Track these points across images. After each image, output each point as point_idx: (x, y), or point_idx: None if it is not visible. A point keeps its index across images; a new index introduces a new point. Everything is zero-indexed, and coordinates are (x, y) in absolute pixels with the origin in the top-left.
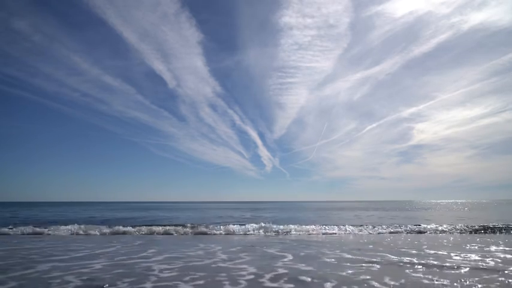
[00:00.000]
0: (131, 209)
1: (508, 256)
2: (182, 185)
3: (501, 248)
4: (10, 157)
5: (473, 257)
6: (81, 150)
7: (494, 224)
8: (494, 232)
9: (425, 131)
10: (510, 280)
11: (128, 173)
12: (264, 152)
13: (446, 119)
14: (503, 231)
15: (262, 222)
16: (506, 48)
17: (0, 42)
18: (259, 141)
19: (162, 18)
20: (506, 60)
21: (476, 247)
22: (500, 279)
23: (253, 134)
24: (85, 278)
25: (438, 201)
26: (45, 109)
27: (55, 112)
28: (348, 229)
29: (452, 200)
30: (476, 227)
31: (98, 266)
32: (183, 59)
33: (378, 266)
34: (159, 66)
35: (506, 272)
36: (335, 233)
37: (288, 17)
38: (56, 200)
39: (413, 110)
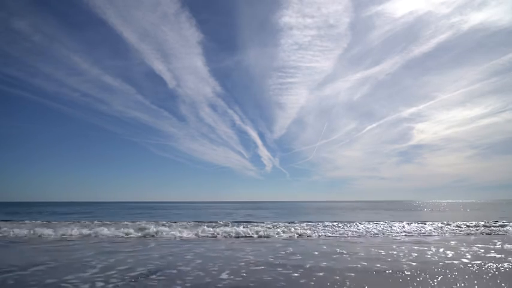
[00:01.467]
0: (150, 209)
1: None
2: (182, 185)
3: None
4: (10, 157)
5: None
6: (81, 150)
7: None
8: None
9: (425, 131)
10: None
11: (128, 173)
12: (264, 152)
13: (446, 119)
14: None
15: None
16: (506, 48)
17: (0, 42)
18: (259, 141)
19: (162, 18)
20: (506, 60)
21: None
22: None
23: (253, 134)
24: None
25: (443, 201)
26: (45, 109)
27: (55, 112)
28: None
29: (458, 200)
30: None
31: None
32: (183, 59)
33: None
34: (159, 66)
35: None
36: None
37: (288, 17)
38: (56, 200)
39: (413, 110)
